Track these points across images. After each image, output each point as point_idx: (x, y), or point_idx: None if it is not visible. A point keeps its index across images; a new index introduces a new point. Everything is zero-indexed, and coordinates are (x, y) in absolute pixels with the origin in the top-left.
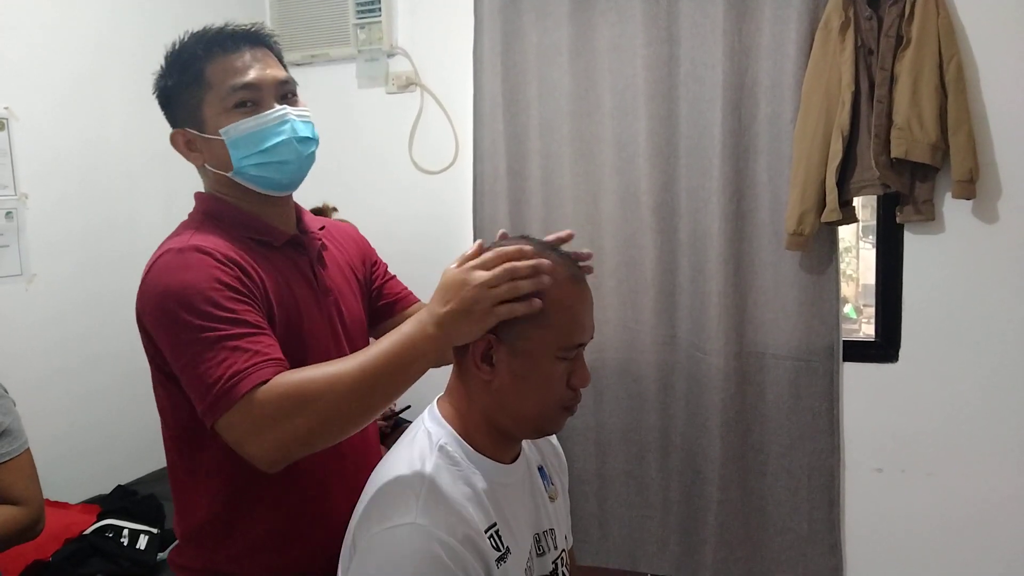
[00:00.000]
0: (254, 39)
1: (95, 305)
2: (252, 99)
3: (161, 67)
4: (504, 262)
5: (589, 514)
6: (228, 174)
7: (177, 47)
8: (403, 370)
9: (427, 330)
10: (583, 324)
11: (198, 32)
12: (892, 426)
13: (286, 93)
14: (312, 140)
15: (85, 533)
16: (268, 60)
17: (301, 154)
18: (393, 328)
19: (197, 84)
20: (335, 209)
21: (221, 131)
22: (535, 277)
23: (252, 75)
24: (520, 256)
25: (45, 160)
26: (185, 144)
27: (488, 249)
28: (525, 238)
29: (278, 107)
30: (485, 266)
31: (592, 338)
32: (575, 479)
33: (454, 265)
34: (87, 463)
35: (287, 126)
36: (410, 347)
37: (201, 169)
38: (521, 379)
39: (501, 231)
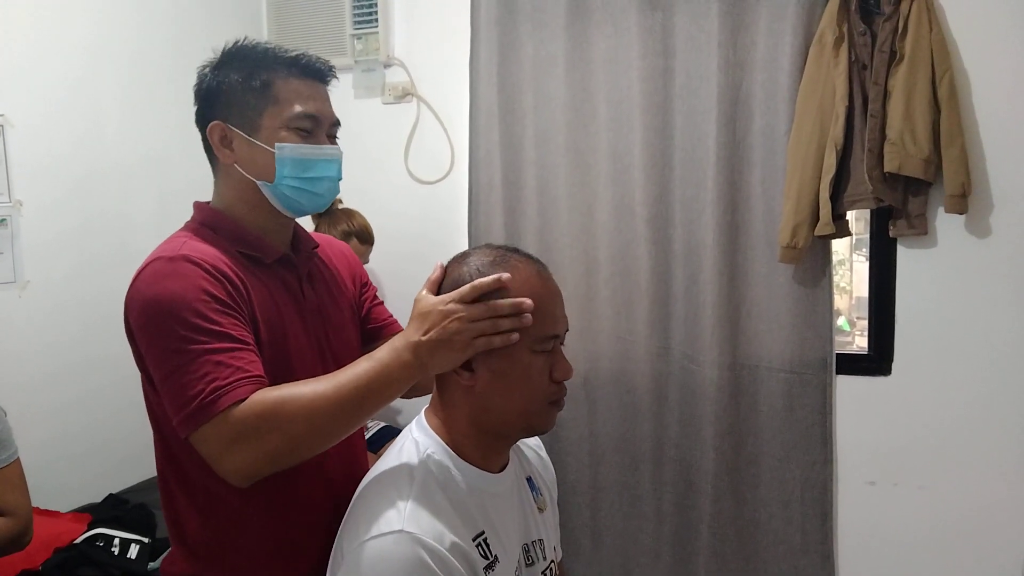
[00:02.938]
0: (324, 76)
1: (88, 312)
2: (311, 129)
3: (217, 62)
4: (480, 295)
5: (582, 525)
6: (260, 182)
7: (245, 49)
8: (376, 394)
9: (402, 357)
10: (554, 315)
11: (275, 46)
12: (885, 439)
13: (333, 133)
14: (339, 180)
15: (76, 542)
16: (328, 99)
17: (332, 192)
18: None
19: (263, 93)
20: (339, 200)
21: (276, 145)
22: (516, 316)
23: (319, 107)
24: (496, 287)
25: (39, 166)
26: (220, 138)
27: (451, 269)
28: (488, 246)
29: (335, 146)
30: (464, 299)
31: (567, 330)
32: (568, 490)
33: (424, 291)
34: (78, 471)
35: (335, 165)
36: (385, 373)
37: (227, 167)
38: (502, 377)
39: (439, 262)
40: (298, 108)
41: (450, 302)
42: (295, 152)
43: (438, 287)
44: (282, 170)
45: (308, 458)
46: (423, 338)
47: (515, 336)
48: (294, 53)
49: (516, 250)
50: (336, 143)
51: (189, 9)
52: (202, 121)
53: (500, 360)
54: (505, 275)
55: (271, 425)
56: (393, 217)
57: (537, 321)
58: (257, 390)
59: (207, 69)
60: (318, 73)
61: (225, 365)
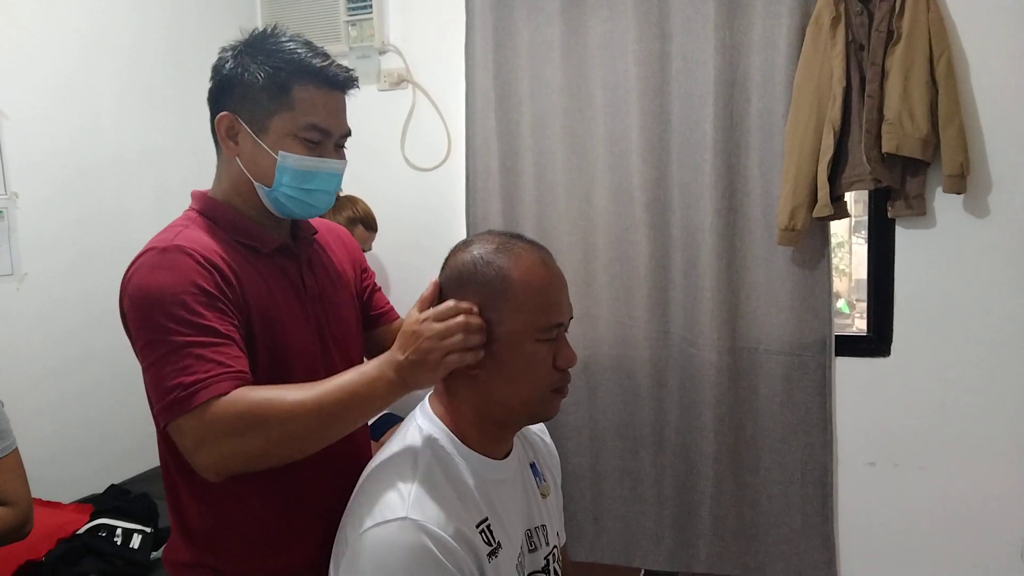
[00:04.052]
0: (346, 86)
1: (86, 303)
2: (319, 141)
3: (241, 48)
4: (457, 315)
5: (583, 509)
6: (258, 183)
7: (272, 44)
8: (359, 407)
9: (386, 375)
10: (557, 304)
11: (303, 47)
12: (884, 420)
13: (342, 143)
14: (337, 191)
15: (78, 533)
16: (345, 110)
17: (327, 204)
18: (374, 340)
19: (280, 96)
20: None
21: (280, 153)
22: (481, 333)
23: (332, 122)
24: (471, 311)
25: (35, 158)
26: (227, 130)
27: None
28: (491, 232)
29: (339, 161)
30: (439, 317)
31: (571, 318)
32: (569, 475)
33: (415, 307)
34: (80, 462)
35: (335, 179)
36: (370, 388)
37: (228, 159)
38: (506, 367)
39: (433, 279)
40: (310, 119)
41: (423, 320)
42: (297, 163)
43: (428, 304)
44: (281, 177)
45: (283, 463)
46: (402, 358)
47: (481, 354)
48: (320, 64)
49: (520, 236)
50: (343, 152)
51: (183, 0)
52: (213, 106)
53: (505, 349)
54: (474, 307)
55: (249, 426)
56: (390, 204)
57: (540, 310)
58: (238, 387)
59: (230, 52)
60: (340, 84)
61: (206, 359)
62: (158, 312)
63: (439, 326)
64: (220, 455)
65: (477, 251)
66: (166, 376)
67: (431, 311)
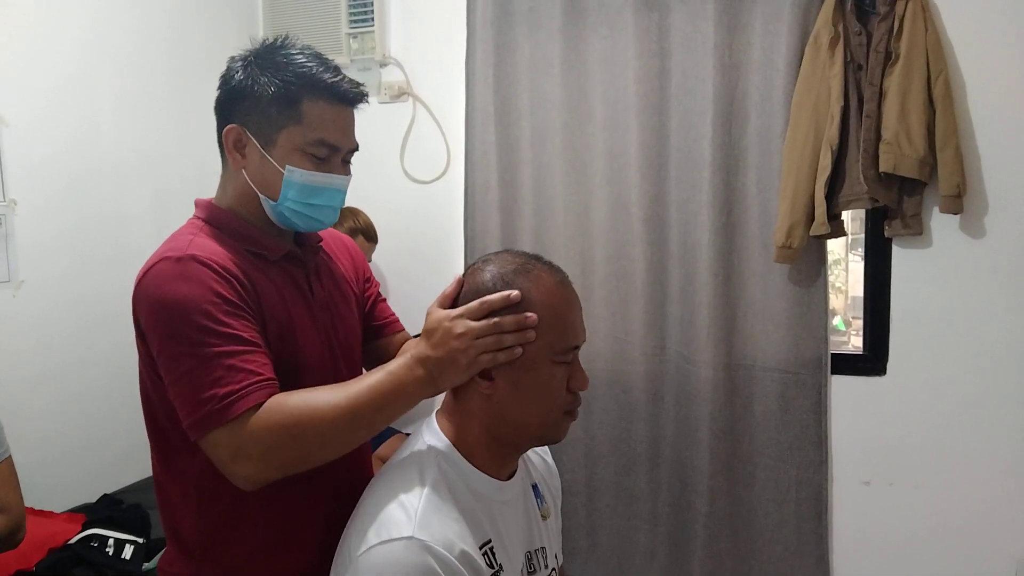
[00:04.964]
0: (356, 101)
1: (83, 311)
2: (327, 156)
3: (252, 58)
4: (489, 311)
5: (578, 525)
6: (263, 196)
7: (282, 56)
8: (390, 406)
9: (415, 372)
10: (575, 326)
11: (314, 62)
12: (880, 439)
13: (349, 158)
14: (342, 206)
15: (70, 542)
16: (353, 125)
17: (332, 219)
18: (376, 351)
19: (289, 111)
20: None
21: (287, 167)
22: (520, 332)
23: (340, 137)
24: (506, 304)
25: (34, 165)
26: (234, 142)
27: (466, 281)
28: (510, 251)
29: (345, 177)
30: (471, 315)
31: (585, 340)
32: (564, 490)
33: (436, 304)
34: (73, 471)
35: (340, 194)
36: (399, 386)
37: (234, 171)
38: (521, 388)
39: (457, 275)
40: (319, 134)
41: (456, 318)
42: (304, 178)
43: (451, 302)
44: (287, 192)
45: (319, 464)
46: (432, 354)
47: (518, 351)
48: (331, 79)
49: (539, 258)
50: (349, 167)
51: (185, 8)
52: (221, 116)
53: (521, 370)
54: (514, 292)
55: (287, 435)
56: (389, 216)
57: (559, 332)
58: (271, 395)
59: (239, 63)
60: (350, 99)
61: (237, 369)
62: (182, 323)
63: (473, 325)
64: (259, 466)
65: (497, 271)
66: (197, 389)
67: (462, 309)
